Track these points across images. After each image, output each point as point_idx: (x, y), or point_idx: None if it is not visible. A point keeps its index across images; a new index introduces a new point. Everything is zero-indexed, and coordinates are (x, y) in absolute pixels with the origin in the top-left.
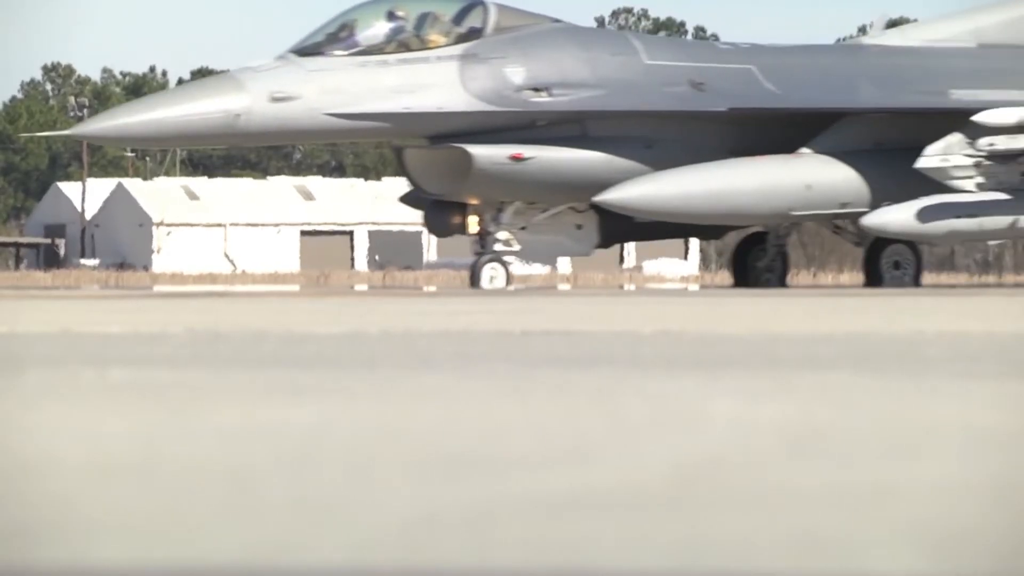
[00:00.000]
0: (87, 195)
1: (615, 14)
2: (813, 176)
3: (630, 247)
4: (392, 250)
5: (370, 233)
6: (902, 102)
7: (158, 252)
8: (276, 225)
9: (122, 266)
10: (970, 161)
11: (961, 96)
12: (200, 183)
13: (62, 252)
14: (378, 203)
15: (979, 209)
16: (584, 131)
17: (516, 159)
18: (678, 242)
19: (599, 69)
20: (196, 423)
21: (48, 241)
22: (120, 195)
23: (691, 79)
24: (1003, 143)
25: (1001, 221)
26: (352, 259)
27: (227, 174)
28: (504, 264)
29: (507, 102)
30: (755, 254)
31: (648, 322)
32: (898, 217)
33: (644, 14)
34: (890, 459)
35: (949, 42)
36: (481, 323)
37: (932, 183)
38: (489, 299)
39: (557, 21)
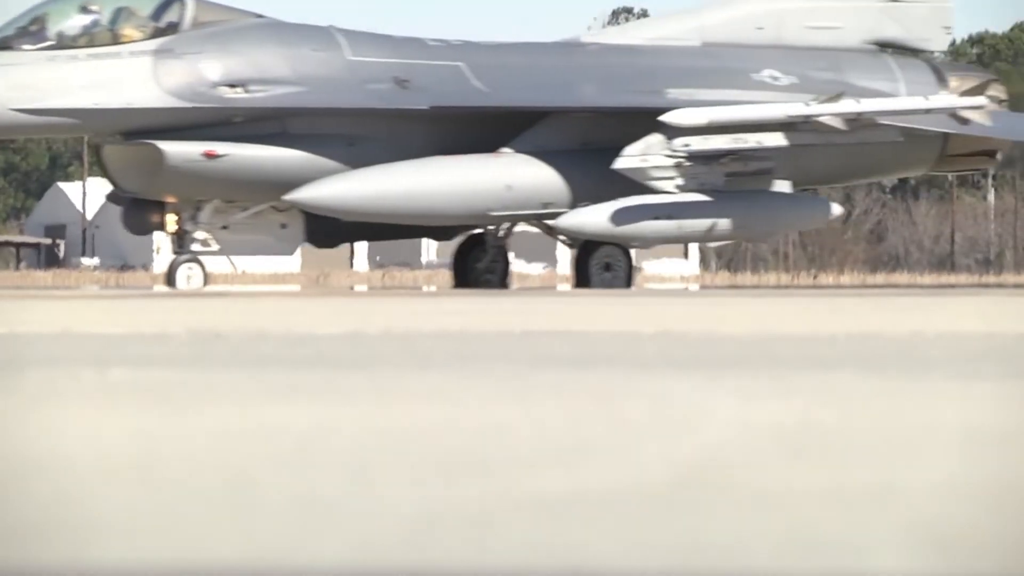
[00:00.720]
0: (87, 195)
1: (615, 14)
2: (513, 176)
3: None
4: (392, 250)
5: None
6: (605, 101)
7: (158, 252)
8: None
9: (122, 266)
10: (670, 162)
11: (678, 95)
12: None
13: (62, 252)
14: None
15: (678, 211)
16: (284, 128)
17: (210, 156)
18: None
19: (299, 65)
20: (196, 423)
21: (48, 241)
22: None
23: (396, 76)
24: (698, 144)
25: (700, 224)
26: (352, 259)
27: None
28: (201, 264)
29: (202, 98)
30: (475, 255)
31: (648, 322)
32: (593, 218)
33: (644, 13)
34: (890, 459)
35: (673, 40)
36: (481, 323)
37: (637, 183)
38: (489, 299)
39: (260, 16)
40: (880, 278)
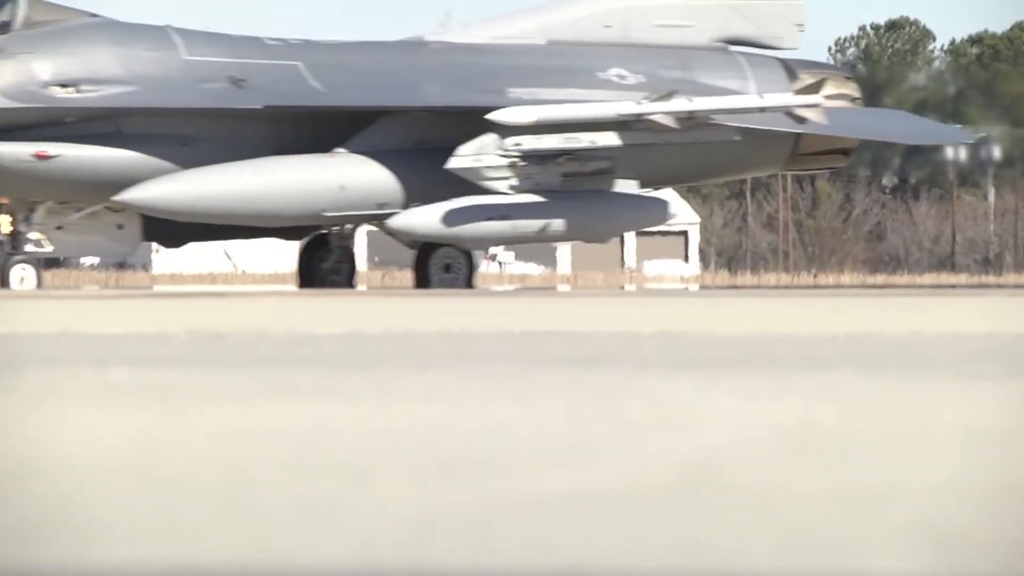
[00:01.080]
0: None
1: None
2: (347, 176)
3: (630, 247)
4: (392, 250)
5: (370, 233)
6: (441, 101)
7: (157, 252)
8: None
9: (122, 266)
10: (504, 162)
11: (520, 95)
12: None
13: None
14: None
15: (512, 211)
16: (118, 129)
17: (41, 157)
18: (678, 242)
19: (133, 65)
20: (196, 423)
21: None
22: None
23: (231, 75)
24: (530, 143)
25: (535, 224)
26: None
27: None
28: (35, 265)
29: (33, 98)
30: (320, 255)
31: (648, 322)
32: (423, 219)
33: None
34: (890, 459)
35: (518, 39)
36: (481, 323)
37: (475, 184)
38: (489, 299)
39: (95, 16)
40: (880, 278)
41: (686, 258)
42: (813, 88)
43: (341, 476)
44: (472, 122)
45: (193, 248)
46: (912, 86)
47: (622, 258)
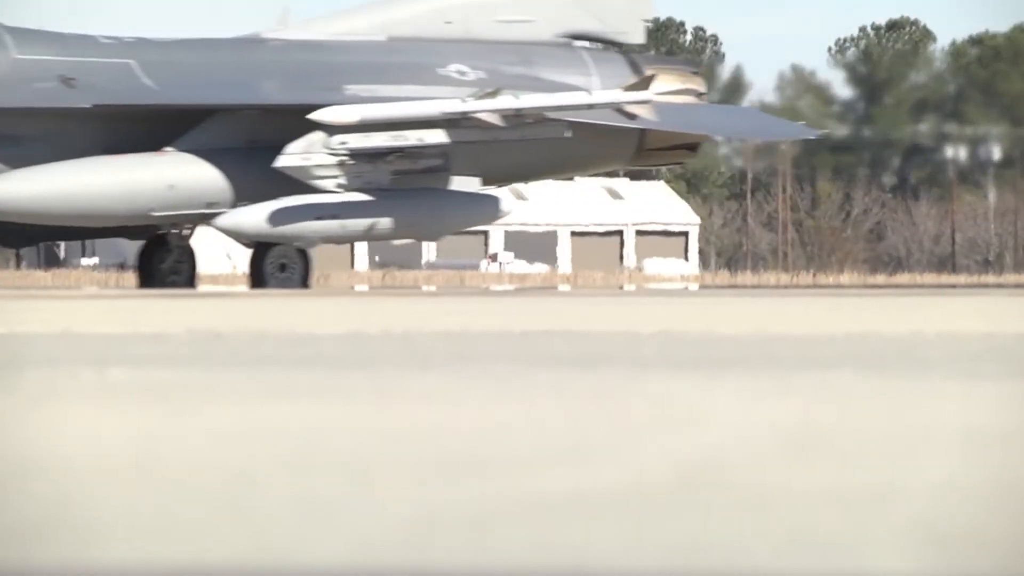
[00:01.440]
0: None
1: None
2: (176, 176)
3: (629, 247)
4: (392, 250)
5: None
6: (273, 98)
7: None
8: None
9: (122, 266)
10: (333, 160)
11: (358, 91)
12: None
13: (62, 252)
14: None
15: (341, 210)
16: None
17: None
18: (678, 242)
19: None
20: (196, 423)
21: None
22: None
23: (61, 74)
24: (357, 141)
25: (364, 223)
26: (352, 259)
27: None
28: None
29: None
30: (160, 256)
31: (648, 322)
32: (250, 218)
33: None
34: (890, 459)
35: (358, 35)
36: (481, 323)
37: (305, 183)
38: (489, 299)
39: None
40: (880, 278)
41: (686, 258)
42: (643, 84)
43: (341, 476)
44: (307, 120)
45: (193, 248)
46: (912, 85)
47: (621, 257)
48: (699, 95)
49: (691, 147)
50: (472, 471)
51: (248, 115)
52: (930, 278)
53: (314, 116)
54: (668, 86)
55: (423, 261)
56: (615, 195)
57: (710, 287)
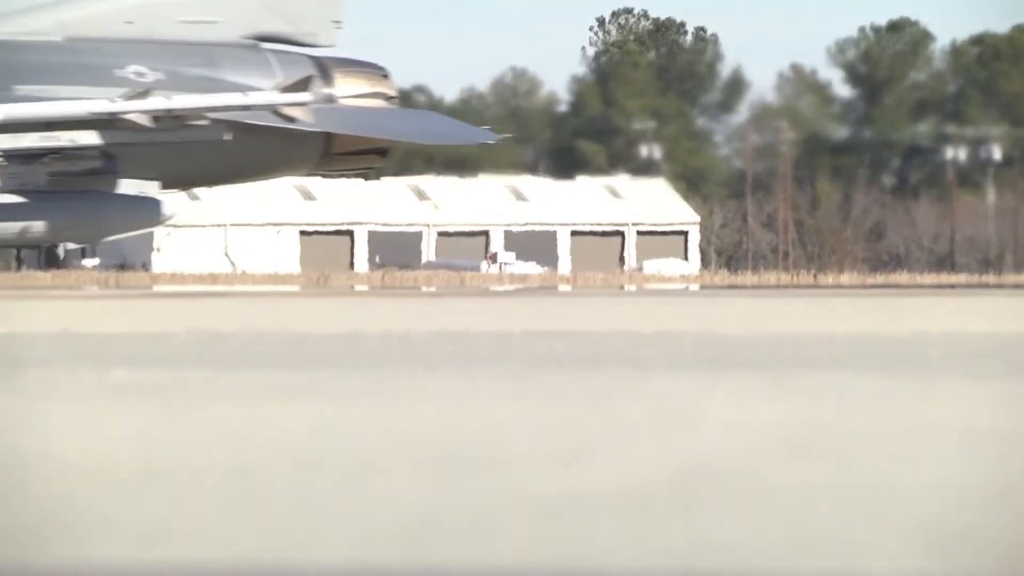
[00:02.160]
0: None
1: (615, 14)
2: None
3: (630, 247)
4: (392, 250)
5: (370, 233)
6: None
7: (158, 252)
8: (276, 225)
9: (122, 266)
10: None
11: (30, 92)
12: None
13: (62, 252)
14: (378, 203)
15: None
16: None
17: None
18: (678, 242)
19: None
20: (196, 423)
21: None
22: None
23: None
24: (7, 142)
25: (14, 226)
26: (352, 259)
27: None
28: None
29: None
30: None
31: (648, 322)
32: None
33: (644, 14)
34: (890, 459)
35: (33, 35)
36: (481, 323)
37: None
38: (489, 299)
39: None
40: (880, 278)
41: (686, 257)
42: (300, 86)
43: (341, 475)
44: None
45: (193, 248)
46: (912, 85)
47: (622, 257)
48: (389, 98)
49: (381, 152)
50: (472, 471)
51: None
52: (930, 278)
53: None
54: (356, 89)
55: (423, 261)
56: (615, 194)
57: (710, 287)
